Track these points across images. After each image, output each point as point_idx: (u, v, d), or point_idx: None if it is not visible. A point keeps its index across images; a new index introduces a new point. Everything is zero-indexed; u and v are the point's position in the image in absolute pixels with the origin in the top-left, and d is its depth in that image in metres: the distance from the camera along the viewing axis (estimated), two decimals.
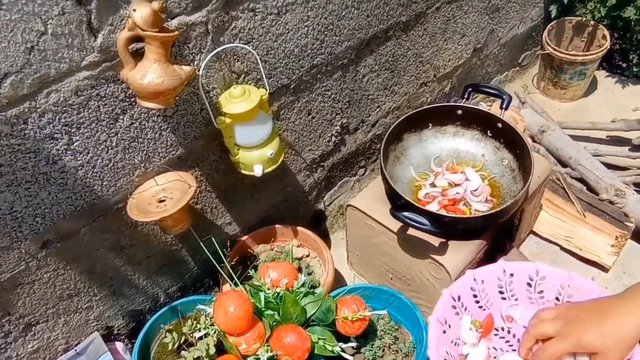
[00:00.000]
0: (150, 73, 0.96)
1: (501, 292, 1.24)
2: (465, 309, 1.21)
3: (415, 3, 1.54)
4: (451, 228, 1.31)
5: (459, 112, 1.53)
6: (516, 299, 1.25)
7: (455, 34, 1.78)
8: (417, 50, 1.67)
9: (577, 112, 2.22)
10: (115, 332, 1.41)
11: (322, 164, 1.64)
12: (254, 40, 1.20)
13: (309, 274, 1.52)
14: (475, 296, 1.23)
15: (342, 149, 1.67)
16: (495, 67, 2.15)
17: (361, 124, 1.67)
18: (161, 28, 0.96)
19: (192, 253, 1.46)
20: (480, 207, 1.43)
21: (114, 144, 1.09)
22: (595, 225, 1.69)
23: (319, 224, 1.81)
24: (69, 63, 0.94)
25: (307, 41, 1.32)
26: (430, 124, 1.56)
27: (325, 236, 1.86)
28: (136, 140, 1.12)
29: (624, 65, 2.32)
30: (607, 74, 2.34)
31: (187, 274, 1.49)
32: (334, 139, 1.61)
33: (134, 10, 0.92)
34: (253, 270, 1.50)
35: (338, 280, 1.72)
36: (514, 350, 1.18)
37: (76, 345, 1.29)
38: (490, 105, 2.04)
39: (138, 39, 0.96)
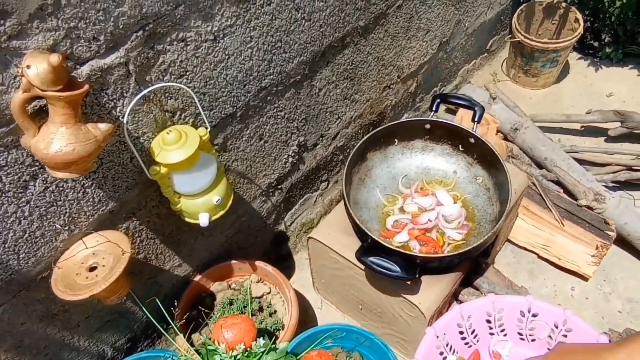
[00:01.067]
0: (57, 140, 0.79)
1: (490, 328, 1.16)
2: (450, 347, 1.13)
3: (373, 4, 1.37)
4: (424, 267, 1.19)
5: (427, 126, 1.39)
6: (505, 335, 1.16)
7: (419, 31, 1.62)
8: (379, 54, 1.51)
9: (549, 100, 2.10)
10: None
11: (279, 186, 1.48)
12: (188, 73, 1.02)
13: (271, 314, 1.39)
14: (461, 332, 1.15)
15: (301, 168, 1.52)
16: (462, 58, 2.00)
17: (320, 139, 1.52)
18: (66, 83, 0.78)
19: (139, 301, 1.30)
20: (454, 234, 1.30)
21: (26, 214, 0.92)
22: (574, 234, 1.59)
23: (280, 246, 1.67)
24: None
25: (252, 64, 1.15)
26: (396, 140, 1.42)
27: (288, 257, 1.72)
28: (54, 204, 0.95)
29: (596, 44, 2.20)
30: (579, 56, 2.22)
31: (136, 325, 1.34)
32: (291, 159, 1.45)
33: (28, 67, 0.74)
34: (208, 320, 1.37)
35: (304, 308, 1.60)
36: None
37: None
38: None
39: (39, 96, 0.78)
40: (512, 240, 1.68)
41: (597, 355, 0.78)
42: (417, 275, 1.16)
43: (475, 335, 1.17)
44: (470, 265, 1.40)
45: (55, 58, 0.73)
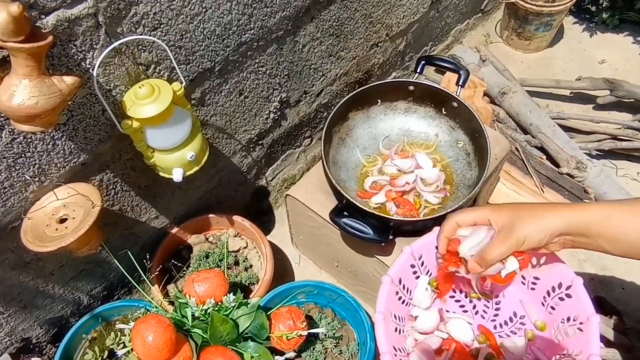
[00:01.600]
0: (19, 92, 0.77)
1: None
2: (425, 267, 1.10)
3: None
4: (398, 230, 1.20)
5: (411, 87, 1.37)
6: None
7: None
8: (367, 11, 1.47)
9: (541, 65, 2.07)
10: (34, 341, 1.28)
11: (260, 142, 1.47)
12: (162, 26, 1.00)
13: (247, 268, 1.40)
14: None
15: (283, 124, 1.50)
16: (455, 17, 1.95)
17: (304, 96, 1.50)
18: (29, 34, 0.75)
19: (114, 251, 1.30)
20: (432, 198, 1.31)
21: None
22: (553, 201, 1.60)
23: (261, 201, 1.67)
24: None
25: (231, 17, 1.11)
26: (379, 100, 1.40)
27: (269, 211, 1.73)
28: (23, 155, 0.94)
29: (593, 9, 2.15)
30: (575, 20, 2.17)
31: (112, 274, 1.36)
32: (272, 115, 1.43)
33: None
34: (184, 272, 1.38)
35: (282, 262, 1.62)
36: (465, 311, 1.09)
37: None
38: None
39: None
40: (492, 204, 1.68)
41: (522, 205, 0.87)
42: (390, 238, 1.16)
43: (427, 272, 1.15)
44: None
45: (15, 8, 0.71)
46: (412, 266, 1.09)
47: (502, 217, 0.86)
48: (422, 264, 1.10)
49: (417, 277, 1.09)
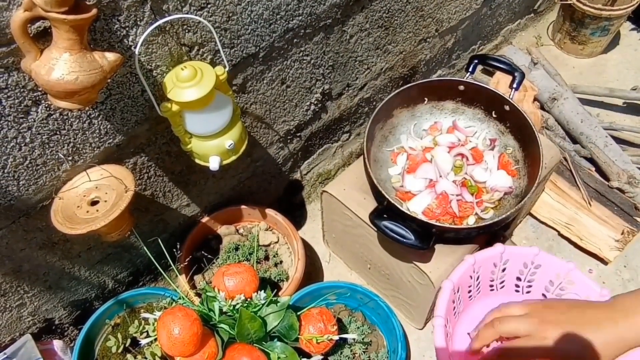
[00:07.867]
0: (59, 66, 0.73)
1: (492, 280, 1.15)
2: (479, 282, 1.13)
3: None
4: (440, 236, 1.13)
5: (461, 87, 1.30)
6: (503, 287, 1.16)
7: None
8: (418, 4, 1.40)
9: (593, 71, 1.97)
10: (56, 322, 1.26)
11: (298, 134, 1.42)
12: (209, 6, 0.95)
13: (277, 264, 1.35)
14: (469, 286, 1.12)
15: (323, 117, 1.45)
16: (507, 16, 1.87)
17: (346, 89, 1.44)
18: (73, 5, 0.71)
19: (143, 237, 1.27)
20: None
21: (27, 140, 0.87)
22: (600, 216, 1.51)
23: (294, 195, 1.62)
24: None
25: (280, 2, 1.06)
26: (426, 99, 1.33)
27: (301, 206, 1.68)
28: (58, 132, 0.90)
29: None
30: (633, 26, 2.07)
31: (139, 259, 1.32)
32: (313, 107, 1.38)
33: None
34: (213, 263, 1.34)
35: (312, 260, 1.57)
36: None
37: (5, 347, 1.14)
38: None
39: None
40: (534, 215, 1.61)
41: (590, 315, 0.72)
42: (432, 242, 1.11)
43: (478, 286, 1.14)
44: (487, 238, 1.34)
45: None
46: (470, 277, 1.08)
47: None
48: (478, 277, 1.10)
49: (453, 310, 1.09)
